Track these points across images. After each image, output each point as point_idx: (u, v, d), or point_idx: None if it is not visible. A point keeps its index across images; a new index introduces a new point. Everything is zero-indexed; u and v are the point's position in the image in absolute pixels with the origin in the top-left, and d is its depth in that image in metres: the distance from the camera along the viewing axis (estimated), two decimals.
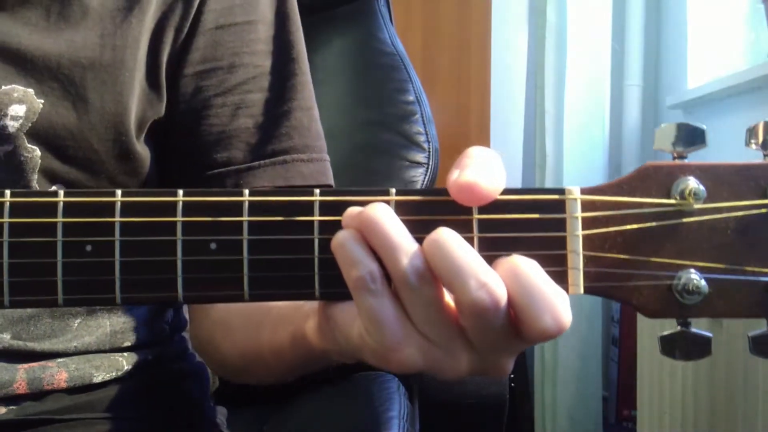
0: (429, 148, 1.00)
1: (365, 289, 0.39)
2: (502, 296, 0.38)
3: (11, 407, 0.61)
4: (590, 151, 2.03)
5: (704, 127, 0.42)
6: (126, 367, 0.66)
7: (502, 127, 2.18)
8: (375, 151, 1.02)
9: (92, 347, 0.65)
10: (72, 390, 0.63)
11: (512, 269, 0.39)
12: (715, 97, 1.71)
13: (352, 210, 0.41)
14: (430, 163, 1.00)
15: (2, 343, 0.60)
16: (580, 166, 2.03)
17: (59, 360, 0.63)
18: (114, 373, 0.65)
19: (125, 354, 0.67)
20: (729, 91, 1.63)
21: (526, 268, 0.39)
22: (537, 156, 2.10)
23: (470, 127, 2.16)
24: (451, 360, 0.41)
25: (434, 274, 0.39)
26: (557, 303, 0.39)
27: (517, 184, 2.19)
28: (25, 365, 0.61)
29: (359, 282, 0.39)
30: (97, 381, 0.64)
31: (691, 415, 1.30)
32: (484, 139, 2.15)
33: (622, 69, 2.10)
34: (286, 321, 0.51)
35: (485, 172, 0.40)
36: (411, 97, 1.03)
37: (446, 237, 0.39)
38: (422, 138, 1.01)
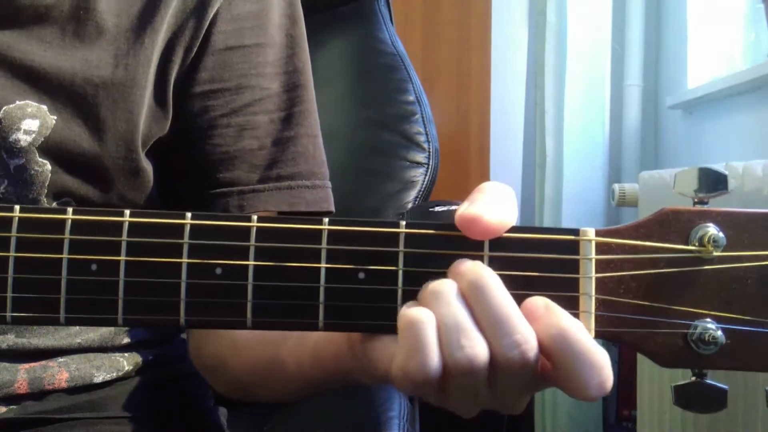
0: (429, 148, 1.00)
1: (422, 382, 0.39)
2: (535, 357, 0.38)
3: (11, 407, 0.61)
4: (590, 151, 2.03)
5: (726, 172, 0.40)
6: (127, 368, 0.66)
7: (502, 127, 2.18)
8: (375, 151, 1.02)
9: (95, 344, 0.65)
10: (73, 390, 0.63)
11: (560, 332, 0.38)
12: (715, 97, 1.71)
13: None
14: (430, 163, 1.00)
15: (6, 342, 0.61)
16: (580, 166, 2.03)
17: (60, 360, 0.63)
18: (115, 374, 0.65)
19: (126, 354, 0.67)
20: (729, 91, 1.63)
21: (575, 331, 0.38)
22: (537, 156, 2.09)
23: (470, 127, 2.16)
24: (472, 404, 0.41)
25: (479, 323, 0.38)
26: (604, 373, 0.38)
27: (517, 184, 2.19)
28: (26, 365, 0.61)
29: (420, 376, 0.38)
30: (98, 381, 0.64)
31: (691, 415, 1.30)
32: (484, 139, 2.15)
33: (622, 69, 2.10)
34: (310, 337, 0.51)
35: (493, 206, 0.40)
36: (411, 97, 1.03)
37: (488, 282, 0.38)
38: (422, 138, 1.01)
